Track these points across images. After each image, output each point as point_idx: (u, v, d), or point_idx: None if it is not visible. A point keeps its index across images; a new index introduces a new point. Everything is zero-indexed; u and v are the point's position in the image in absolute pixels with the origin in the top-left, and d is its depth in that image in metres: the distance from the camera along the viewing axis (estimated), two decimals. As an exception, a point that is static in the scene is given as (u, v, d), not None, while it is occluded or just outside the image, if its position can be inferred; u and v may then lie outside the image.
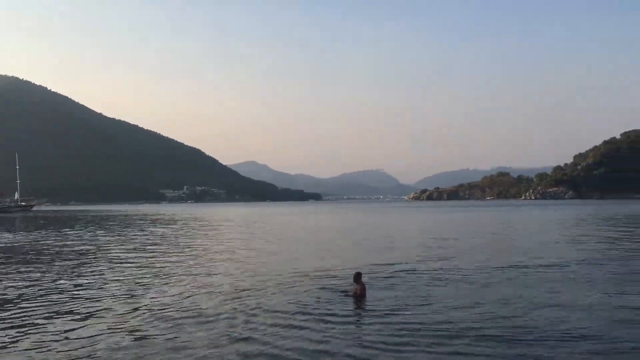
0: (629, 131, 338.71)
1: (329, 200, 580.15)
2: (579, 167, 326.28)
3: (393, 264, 23.66)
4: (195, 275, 21.33)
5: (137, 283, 19.28)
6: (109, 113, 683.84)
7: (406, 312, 13.86)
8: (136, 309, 14.63)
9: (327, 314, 13.68)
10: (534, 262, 24.10)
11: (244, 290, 17.48)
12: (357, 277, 16.08)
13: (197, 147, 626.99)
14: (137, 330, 12.37)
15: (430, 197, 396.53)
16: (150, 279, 20.30)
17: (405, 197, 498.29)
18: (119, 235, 45.30)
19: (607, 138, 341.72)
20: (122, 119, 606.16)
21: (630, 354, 10.63)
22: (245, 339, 11.57)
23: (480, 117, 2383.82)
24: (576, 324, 12.72)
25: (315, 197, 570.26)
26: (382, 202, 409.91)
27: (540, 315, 13.63)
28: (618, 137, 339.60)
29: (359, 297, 15.55)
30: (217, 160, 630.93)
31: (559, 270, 21.52)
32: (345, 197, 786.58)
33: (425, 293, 16.54)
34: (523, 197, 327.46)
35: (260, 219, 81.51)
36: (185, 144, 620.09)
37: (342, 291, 16.66)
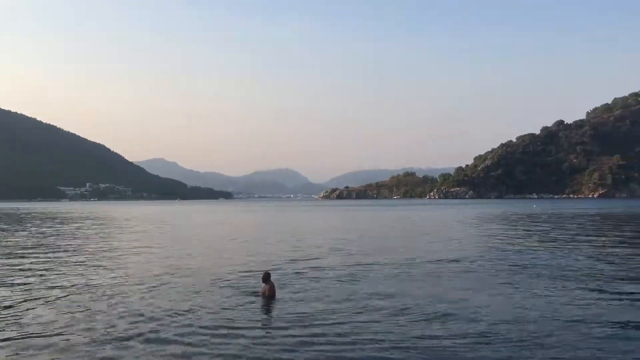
0: (524, 135, 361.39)
1: (241, 198, 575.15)
2: (479, 168, 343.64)
3: (301, 262, 23.79)
4: (89, 274, 20.27)
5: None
6: (4, 105, 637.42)
7: (315, 315, 13.49)
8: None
9: (233, 318, 13.13)
10: (433, 257, 25.15)
11: (125, 292, 16.81)
12: (266, 277, 15.74)
13: (101, 143, 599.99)
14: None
15: (340, 196, 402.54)
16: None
17: (316, 196, 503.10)
18: None
19: (504, 141, 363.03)
20: (21, 112, 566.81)
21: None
22: (124, 345, 10.97)
23: (388, 118, 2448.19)
24: (464, 318, 13.22)
25: (226, 195, 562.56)
26: (293, 200, 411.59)
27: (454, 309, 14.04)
28: (514, 140, 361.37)
29: (269, 298, 15.29)
30: (123, 157, 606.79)
31: (460, 266, 22.56)
32: (256, 196, 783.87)
33: (334, 292, 16.51)
34: (428, 197, 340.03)
35: (163, 218, 79.26)
36: (88, 139, 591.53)
37: (252, 291, 16.37)
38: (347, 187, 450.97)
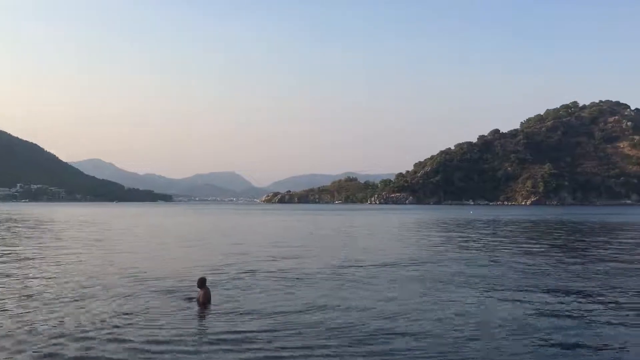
0: (462, 143, 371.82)
1: (181, 201, 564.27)
2: (418, 174, 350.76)
3: (238, 267, 23.26)
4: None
5: None
6: None
7: (250, 320, 13.09)
8: None
9: (165, 327, 12.40)
10: (376, 261, 24.99)
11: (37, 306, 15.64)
12: (202, 282, 15.17)
13: (34, 142, 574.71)
14: None
15: (282, 200, 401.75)
16: None
17: (258, 200, 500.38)
18: None
19: (443, 148, 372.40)
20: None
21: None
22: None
23: (331, 124, 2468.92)
24: (401, 322, 12.93)
25: (166, 198, 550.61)
26: (234, 204, 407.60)
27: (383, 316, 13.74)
28: (452, 147, 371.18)
29: (204, 304, 14.69)
30: (57, 157, 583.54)
31: (395, 270, 22.37)
32: (197, 199, 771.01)
33: (271, 297, 16.21)
34: (369, 202, 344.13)
35: (93, 220, 76.43)
36: (20, 138, 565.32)
37: (187, 297, 15.77)
38: (289, 191, 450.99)
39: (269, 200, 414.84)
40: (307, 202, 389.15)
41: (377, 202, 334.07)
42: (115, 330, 12.01)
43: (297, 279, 19.98)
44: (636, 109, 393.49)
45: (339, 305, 14.92)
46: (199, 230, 55.60)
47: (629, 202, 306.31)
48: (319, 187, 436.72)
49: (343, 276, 20.77)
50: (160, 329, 12.18)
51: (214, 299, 15.17)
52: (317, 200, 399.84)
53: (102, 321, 12.75)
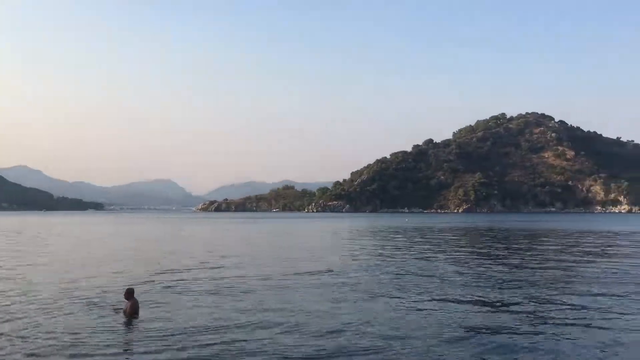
0: (397, 152, 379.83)
1: (113, 210, 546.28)
2: (355, 183, 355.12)
3: (168, 276, 22.99)
4: None
5: None
6: None
7: (180, 336, 12.82)
8: None
9: (90, 341, 12.06)
10: (303, 269, 25.21)
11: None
12: (129, 294, 14.80)
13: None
14: None
15: (218, 209, 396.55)
16: None
17: (194, 208, 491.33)
18: None
19: (379, 157, 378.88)
20: None
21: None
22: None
23: (269, 132, 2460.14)
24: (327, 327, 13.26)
25: (97, 206, 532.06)
26: (169, 212, 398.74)
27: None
28: (388, 156, 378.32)
29: (131, 315, 14.33)
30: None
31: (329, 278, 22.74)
32: (130, 208, 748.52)
33: (197, 308, 16.01)
34: (306, 210, 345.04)
35: (20, 229, 73.21)
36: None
37: (113, 309, 15.34)
38: (226, 199, 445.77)
39: (205, 209, 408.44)
40: (244, 210, 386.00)
41: (315, 210, 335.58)
42: (34, 345, 11.71)
43: (229, 288, 20.01)
44: (560, 120, 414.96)
45: (267, 320, 15.05)
46: (128, 239, 54.32)
47: (553, 209, 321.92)
48: (256, 195, 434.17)
49: (277, 286, 21.01)
50: (83, 344, 11.90)
51: (143, 310, 14.97)
52: (254, 208, 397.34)
53: (23, 339, 12.29)
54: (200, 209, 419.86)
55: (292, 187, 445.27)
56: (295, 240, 51.89)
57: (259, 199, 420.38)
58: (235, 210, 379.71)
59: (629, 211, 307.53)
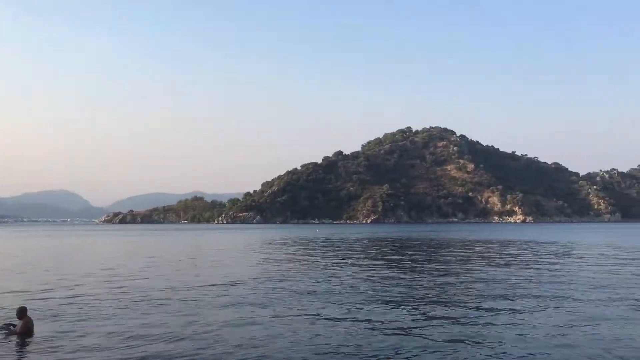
0: (308, 163, 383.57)
1: (6, 222, 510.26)
2: (266, 194, 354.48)
3: (64, 293, 21.94)
4: None
5: None
6: None
7: (76, 350, 12.39)
8: None
9: None
10: (206, 281, 24.98)
11: None
12: (21, 312, 13.95)
13: None
14: None
15: (123, 221, 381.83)
16: None
17: (97, 220, 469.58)
18: None
19: (290, 168, 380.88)
20: None
21: None
22: None
23: (177, 141, 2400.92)
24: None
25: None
26: (69, 225, 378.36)
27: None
28: (298, 168, 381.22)
29: (24, 335, 13.51)
30: None
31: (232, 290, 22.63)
32: (26, 220, 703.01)
33: (97, 327, 15.27)
34: (216, 221, 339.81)
35: None
36: None
37: (5, 327, 14.21)
38: (131, 210, 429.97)
39: (109, 221, 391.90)
40: (151, 222, 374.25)
41: (225, 222, 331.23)
42: None
43: (132, 302, 19.61)
44: (461, 135, 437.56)
45: (167, 333, 14.92)
46: (21, 254, 51.27)
47: (455, 219, 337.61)
48: (164, 207, 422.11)
49: (181, 299, 20.82)
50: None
51: (38, 328, 14.28)
52: (162, 220, 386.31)
53: None
54: (103, 221, 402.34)
55: (202, 198, 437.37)
56: (201, 252, 51.16)
57: (167, 210, 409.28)
58: (142, 222, 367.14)
59: (523, 221, 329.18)
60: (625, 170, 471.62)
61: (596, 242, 70.36)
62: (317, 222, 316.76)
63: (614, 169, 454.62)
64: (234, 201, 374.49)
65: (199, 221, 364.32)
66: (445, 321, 15.94)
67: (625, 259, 39.63)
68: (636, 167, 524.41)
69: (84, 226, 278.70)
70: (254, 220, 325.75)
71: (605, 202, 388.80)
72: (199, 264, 36.92)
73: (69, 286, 24.25)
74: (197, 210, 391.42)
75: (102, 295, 21.42)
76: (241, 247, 58.71)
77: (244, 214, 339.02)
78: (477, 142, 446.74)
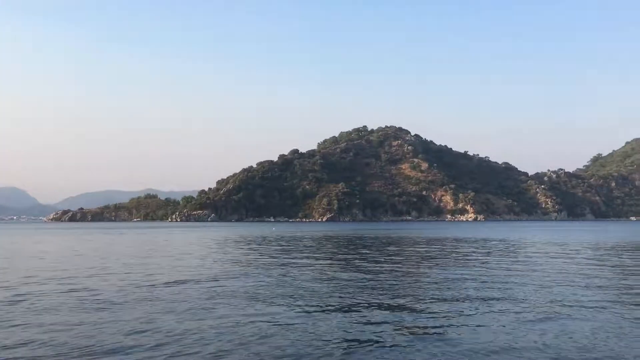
0: (263, 161, 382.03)
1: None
2: (221, 191, 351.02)
3: (3, 292, 21.09)
4: None
5: None
6: None
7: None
8: None
9: None
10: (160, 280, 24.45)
11: None
12: None
13: None
14: None
15: (73, 219, 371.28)
16: None
17: (44, 218, 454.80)
18: None
19: (245, 166, 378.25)
20: None
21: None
22: None
23: (130, 138, 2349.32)
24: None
25: None
26: (15, 223, 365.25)
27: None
28: (254, 166, 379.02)
29: None
30: None
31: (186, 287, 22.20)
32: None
33: (37, 327, 14.80)
34: (170, 219, 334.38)
35: None
36: None
37: None
38: (81, 208, 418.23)
39: (57, 219, 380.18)
40: (102, 220, 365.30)
41: (179, 220, 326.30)
42: None
43: (81, 301, 19.03)
44: (415, 134, 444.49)
45: (115, 333, 14.59)
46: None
47: (409, 218, 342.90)
48: (115, 204, 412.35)
49: (134, 299, 20.33)
50: None
51: None
52: (113, 218, 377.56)
53: None
54: (52, 219, 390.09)
55: (155, 196, 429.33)
56: (153, 251, 50.11)
57: (119, 208, 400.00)
58: (92, 220, 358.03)
59: (475, 219, 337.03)
60: (571, 171, 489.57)
61: (545, 240, 72.52)
62: (273, 220, 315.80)
63: (561, 169, 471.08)
64: (188, 199, 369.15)
65: (152, 219, 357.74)
66: (399, 320, 16.04)
67: (571, 257, 40.95)
68: (581, 167, 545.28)
69: (31, 224, 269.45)
70: (209, 219, 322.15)
71: (552, 201, 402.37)
72: (149, 262, 36.11)
73: (14, 285, 23.34)
74: (151, 208, 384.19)
75: (48, 294, 20.65)
76: (195, 246, 57.82)
77: (199, 212, 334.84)
78: (431, 141, 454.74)
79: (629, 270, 30.34)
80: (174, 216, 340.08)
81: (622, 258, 40.06)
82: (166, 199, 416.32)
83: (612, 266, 33.02)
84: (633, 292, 21.88)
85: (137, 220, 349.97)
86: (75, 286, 23.23)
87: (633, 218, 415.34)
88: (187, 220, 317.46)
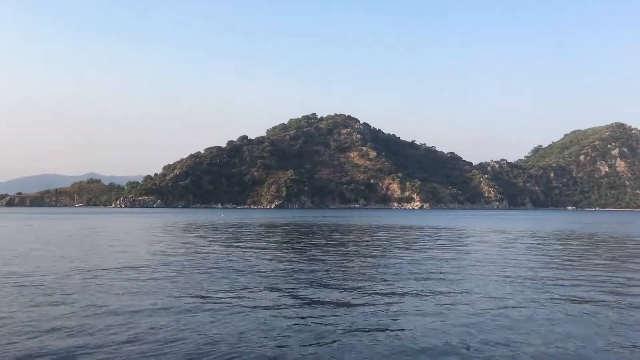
0: (211, 147, 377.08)
1: None
2: (167, 177, 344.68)
3: None
4: None
5: None
6: None
7: None
8: None
9: None
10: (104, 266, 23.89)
11: None
12: None
13: None
14: None
15: (10, 203, 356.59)
16: None
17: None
18: None
19: (193, 152, 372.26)
20: None
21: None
22: None
23: (69, 120, 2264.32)
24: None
25: None
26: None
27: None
28: (202, 151, 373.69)
29: None
30: None
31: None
32: None
33: None
34: (114, 205, 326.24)
35: None
36: None
37: None
38: (19, 193, 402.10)
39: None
40: (42, 205, 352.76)
41: (123, 206, 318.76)
42: None
43: (19, 287, 18.46)
44: (364, 123, 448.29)
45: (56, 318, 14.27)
46: None
47: (357, 205, 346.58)
48: (56, 189, 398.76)
49: (78, 285, 19.84)
50: None
51: None
52: (54, 203, 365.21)
53: None
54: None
55: (99, 181, 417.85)
56: (94, 237, 48.86)
57: (60, 193, 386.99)
58: (31, 205, 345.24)
59: (421, 207, 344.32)
60: (513, 161, 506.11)
61: (488, 227, 74.90)
62: (221, 206, 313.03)
63: (503, 160, 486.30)
64: (133, 184, 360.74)
65: (95, 205, 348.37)
66: (346, 309, 16.26)
67: (514, 244, 42.50)
68: (523, 157, 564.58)
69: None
70: (155, 205, 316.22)
71: (494, 190, 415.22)
72: (90, 249, 35.24)
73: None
74: (93, 194, 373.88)
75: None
76: (139, 232, 56.71)
77: (144, 197, 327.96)
78: (380, 130, 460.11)
79: (560, 258, 31.73)
80: (118, 202, 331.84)
81: (556, 246, 41.93)
82: (110, 184, 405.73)
83: (546, 255, 34.47)
84: (565, 280, 22.93)
85: (79, 206, 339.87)
86: None
87: (570, 207, 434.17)
88: (132, 206, 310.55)
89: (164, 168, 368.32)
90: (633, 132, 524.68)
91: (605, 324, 14.36)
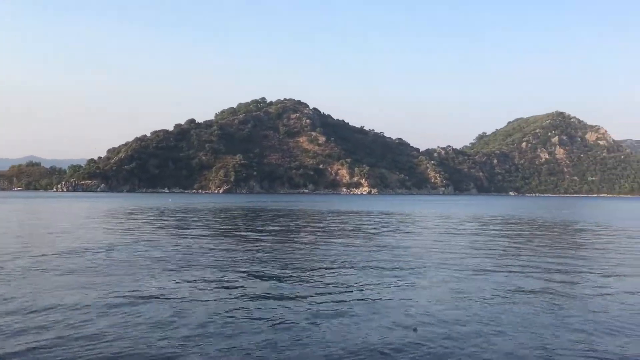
0: (158, 130, 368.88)
1: None
2: (112, 161, 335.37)
3: None
4: None
5: None
6: None
7: None
8: None
9: None
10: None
11: None
12: None
13: None
14: None
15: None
16: None
17: None
18: None
19: (139, 135, 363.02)
20: None
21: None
22: None
23: (9, 101, 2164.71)
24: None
25: None
26: None
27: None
28: (148, 135, 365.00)
29: None
30: None
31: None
32: None
33: None
34: (55, 189, 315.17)
35: None
36: None
37: None
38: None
39: None
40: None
41: (65, 190, 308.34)
42: None
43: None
44: (314, 108, 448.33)
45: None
46: None
47: (306, 190, 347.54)
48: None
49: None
50: None
51: None
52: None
53: None
54: None
55: (39, 164, 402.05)
56: (34, 221, 47.28)
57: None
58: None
59: (369, 193, 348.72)
60: (458, 147, 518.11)
61: (434, 213, 76.66)
62: (167, 191, 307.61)
63: (449, 146, 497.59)
64: (75, 168, 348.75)
65: (36, 189, 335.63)
66: (284, 295, 16.42)
67: (459, 229, 43.75)
68: (468, 144, 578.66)
69: None
70: (98, 189, 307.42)
71: (440, 176, 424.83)
72: (30, 232, 34.12)
73: None
74: (33, 177, 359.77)
75: None
76: (82, 217, 55.17)
77: (87, 181, 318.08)
78: (329, 115, 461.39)
79: (500, 243, 32.95)
80: (59, 186, 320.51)
81: (497, 230, 43.47)
82: (51, 167, 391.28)
83: (489, 239, 35.72)
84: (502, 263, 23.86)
85: (18, 190, 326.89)
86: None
87: (512, 193, 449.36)
88: (74, 191, 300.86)
89: (109, 151, 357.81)
90: (572, 120, 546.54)
91: (548, 308, 15.06)
